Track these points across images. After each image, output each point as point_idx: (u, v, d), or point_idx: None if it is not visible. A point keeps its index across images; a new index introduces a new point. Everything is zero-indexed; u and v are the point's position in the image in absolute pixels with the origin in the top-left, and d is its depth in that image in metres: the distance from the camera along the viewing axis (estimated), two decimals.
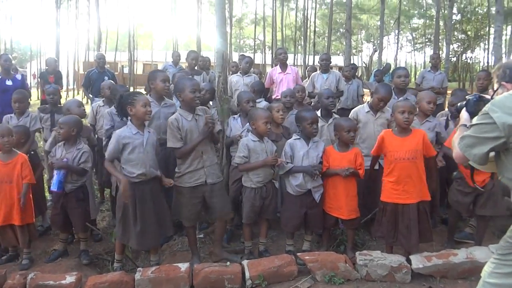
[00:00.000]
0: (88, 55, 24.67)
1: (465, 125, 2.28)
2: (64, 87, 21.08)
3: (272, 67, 12.46)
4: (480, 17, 32.38)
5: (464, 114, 2.40)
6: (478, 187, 3.74)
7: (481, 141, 2.05)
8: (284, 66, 7.12)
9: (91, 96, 8.25)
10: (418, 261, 3.60)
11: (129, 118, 3.78)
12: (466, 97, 2.48)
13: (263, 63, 32.92)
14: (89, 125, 5.49)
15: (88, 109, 6.02)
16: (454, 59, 35.19)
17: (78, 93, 25.30)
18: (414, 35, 42.42)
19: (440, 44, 27.09)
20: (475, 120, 2.11)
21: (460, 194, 4.18)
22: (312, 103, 6.34)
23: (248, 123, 4.26)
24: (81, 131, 4.36)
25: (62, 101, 7.34)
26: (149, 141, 3.77)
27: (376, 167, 4.29)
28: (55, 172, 4.09)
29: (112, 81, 6.21)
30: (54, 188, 4.10)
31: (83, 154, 4.21)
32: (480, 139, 2.05)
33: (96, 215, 4.75)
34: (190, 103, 3.89)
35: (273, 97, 7.06)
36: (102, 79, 7.90)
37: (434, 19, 21.93)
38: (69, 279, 3.44)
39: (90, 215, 4.35)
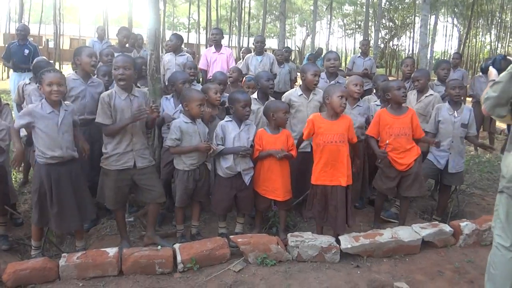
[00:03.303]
0: (9, 27, 22.98)
1: (494, 81, 2.60)
2: None
3: (206, 47, 12.27)
4: (406, 6, 33.79)
5: (492, 70, 2.74)
6: None
7: (504, 102, 2.45)
8: (218, 46, 7.08)
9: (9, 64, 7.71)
10: (346, 242, 3.71)
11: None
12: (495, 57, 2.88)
13: (197, 43, 32.41)
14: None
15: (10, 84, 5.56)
16: (382, 46, 36.52)
17: None
18: (345, 21, 43.54)
19: (369, 31, 27.98)
20: (500, 77, 2.47)
21: (387, 179, 4.37)
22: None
23: (181, 104, 4.15)
24: None
25: None
26: (65, 121, 3.53)
27: (308, 149, 4.36)
28: None
29: (45, 58, 5.78)
30: None
31: (0, 132, 3.93)
32: (502, 99, 2.44)
33: (15, 199, 4.47)
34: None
35: (208, 77, 6.97)
36: (22, 52, 7.41)
37: (364, 6, 22.56)
38: None
39: (9, 197, 4.08)
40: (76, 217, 3.65)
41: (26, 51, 7.49)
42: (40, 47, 9.78)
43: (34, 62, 5.20)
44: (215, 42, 7.14)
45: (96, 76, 4.62)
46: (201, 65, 7.13)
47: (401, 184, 4.33)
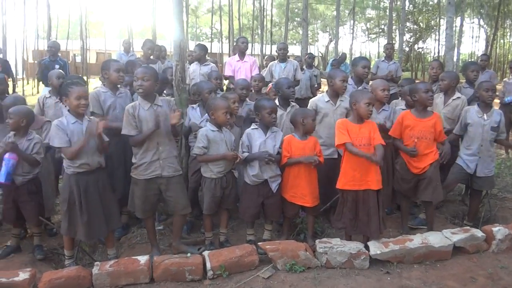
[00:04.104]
0: (37, 44, 23.67)
1: None
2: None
3: (229, 56, 12.38)
4: (431, 8, 33.34)
5: None
6: None
7: None
8: (242, 55, 7.16)
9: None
10: (375, 248, 3.69)
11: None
12: None
13: (220, 52, 32.68)
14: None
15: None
16: (407, 49, 36.09)
17: (27, 83, 24.28)
18: (368, 26, 43.21)
19: (393, 34, 27.71)
20: None
21: (403, 181, 4.37)
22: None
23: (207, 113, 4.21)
24: (32, 122, 4.18)
25: (10, 91, 6.99)
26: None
27: (335, 156, 4.35)
28: (3, 162, 3.91)
29: (61, 71, 5.95)
30: (1, 179, 3.89)
31: (34, 145, 4.05)
32: None
33: (51, 213, 4.60)
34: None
35: (231, 86, 7.04)
36: (53, 68, 7.63)
37: (388, 10, 22.38)
38: (23, 275, 3.30)
39: (44, 208, 4.20)
40: (103, 225, 3.78)
41: (57, 67, 7.71)
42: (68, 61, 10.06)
43: (49, 75, 5.39)
44: (241, 50, 7.23)
45: None
46: (228, 72, 7.22)
47: (418, 188, 4.31)
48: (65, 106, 3.75)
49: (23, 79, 24.80)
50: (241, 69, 7.10)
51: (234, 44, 9.77)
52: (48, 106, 5.14)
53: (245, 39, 7.54)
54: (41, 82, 8.48)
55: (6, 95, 5.25)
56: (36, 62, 8.53)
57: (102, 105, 4.26)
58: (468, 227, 4.16)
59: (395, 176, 4.50)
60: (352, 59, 9.39)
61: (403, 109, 4.89)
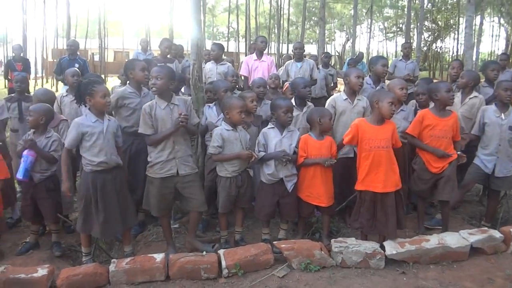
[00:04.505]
0: (57, 42, 24.00)
1: None
2: (32, 75, 20.54)
3: (245, 55, 12.38)
4: (449, 7, 32.93)
5: None
6: None
7: None
8: (260, 54, 7.15)
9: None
10: (391, 247, 3.66)
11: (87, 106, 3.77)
12: None
13: (237, 51, 32.72)
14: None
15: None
16: (425, 48, 35.67)
17: (47, 81, 24.64)
18: (386, 25, 42.83)
19: (411, 33, 27.41)
20: None
21: (420, 181, 4.33)
22: None
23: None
24: (51, 120, 4.25)
25: (31, 89, 7.11)
26: (109, 129, 3.76)
27: (351, 155, 4.33)
28: (22, 159, 3.99)
29: (77, 69, 6.02)
30: (19, 176, 3.98)
31: (52, 143, 4.13)
32: None
33: (69, 211, 4.67)
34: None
35: (249, 84, 7.03)
36: (73, 66, 7.73)
37: (406, 9, 22.17)
38: (41, 271, 3.35)
39: (61, 205, 4.26)
40: (119, 223, 3.83)
41: (76, 65, 7.80)
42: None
43: (65, 73, 5.50)
44: (259, 49, 7.21)
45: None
46: (243, 71, 7.22)
47: (436, 187, 4.27)
48: (85, 106, 3.79)
49: (42, 77, 25.17)
50: (258, 68, 7.06)
51: (251, 43, 9.76)
52: (64, 104, 5.21)
53: (264, 38, 7.52)
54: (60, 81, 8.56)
55: (27, 94, 5.35)
56: (55, 60, 8.62)
57: (127, 107, 4.31)
58: (485, 228, 4.11)
59: (412, 176, 4.46)
60: (369, 58, 9.30)
61: (416, 110, 4.85)
